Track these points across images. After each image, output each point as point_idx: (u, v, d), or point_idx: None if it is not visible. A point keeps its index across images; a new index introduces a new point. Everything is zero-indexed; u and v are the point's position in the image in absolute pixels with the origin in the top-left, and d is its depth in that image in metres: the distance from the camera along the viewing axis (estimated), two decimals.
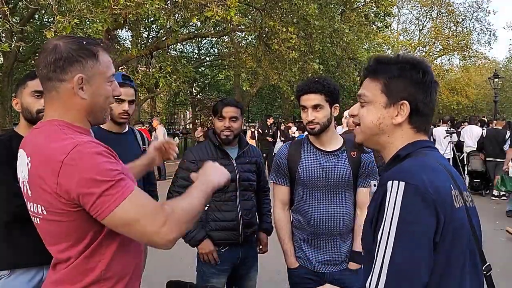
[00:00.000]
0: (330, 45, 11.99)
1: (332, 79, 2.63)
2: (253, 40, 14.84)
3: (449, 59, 28.06)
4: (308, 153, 2.22)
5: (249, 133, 13.12)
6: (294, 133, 13.15)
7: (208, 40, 21.17)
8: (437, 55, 26.52)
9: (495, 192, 8.25)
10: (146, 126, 12.89)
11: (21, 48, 11.59)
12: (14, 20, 8.09)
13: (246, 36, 15.93)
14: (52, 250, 1.21)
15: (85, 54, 1.19)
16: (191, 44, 21.68)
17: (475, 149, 8.86)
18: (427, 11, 27.16)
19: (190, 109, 26.30)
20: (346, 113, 7.03)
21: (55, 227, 1.15)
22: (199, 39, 18.55)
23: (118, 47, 12.43)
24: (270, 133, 12.47)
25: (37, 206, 1.16)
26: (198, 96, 23.52)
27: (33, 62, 13.30)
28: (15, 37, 9.83)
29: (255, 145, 4.06)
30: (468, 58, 25.52)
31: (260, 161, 2.67)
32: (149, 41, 16.57)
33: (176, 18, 10.93)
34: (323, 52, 12.19)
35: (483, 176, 8.72)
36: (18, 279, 1.84)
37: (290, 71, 10.86)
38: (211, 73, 25.38)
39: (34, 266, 1.86)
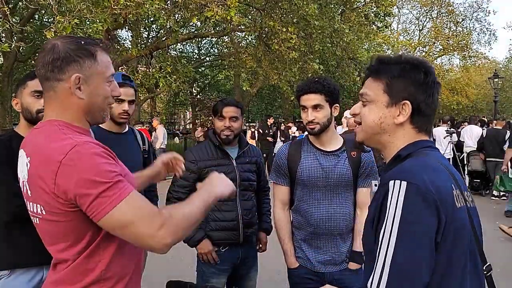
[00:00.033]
0: (330, 45, 11.99)
1: (332, 79, 2.63)
2: (253, 40, 14.84)
3: (449, 59, 28.09)
4: (308, 153, 2.22)
5: (249, 133, 13.12)
6: (294, 133, 13.16)
7: (208, 40, 21.18)
8: (437, 55, 26.52)
9: (495, 192, 8.25)
10: (146, 126, 12.89)
11: (21, 48, 11.59)
12: (14, 20, 8.08)
13: (246, 36, 15.92)
14: (51, 250, 1.21)
15: (83, 54, 1.18)
16: (191, 44, 21.69)
17: (475, 149, 8.86)
18: (427, 11, 27.16)
19: (190, 109, 26.31)
20: (346, 113, 7.03)
21: (54, 227, 1.15)
22: (199, 39, 18.55)
23: (118, 47, 12.43)
24: (270, 133, 12.47)
25: (36, 206, 1.16)
26: (198, 96, 23.53)
27: (33, 62, 13.31)
28: (15, 37, 9.83)
29: (255, 145, 4.06)
30: (468, 58, 25.52)
31: (260, 161, 2.67)
32: (149, 41, 16.58)
33: (176, 18, 10.93)
34: (323, 52, 12.18)
35: (483, 176, 8.72)
36: (18, 279, 1.84)
37: (290, 71, 10.86)
38: (211, 73, 25.39)
39: (34, 266, 1.86)
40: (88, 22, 7.13)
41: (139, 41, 13.55)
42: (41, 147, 1.13)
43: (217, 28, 13.35)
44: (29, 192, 1.18)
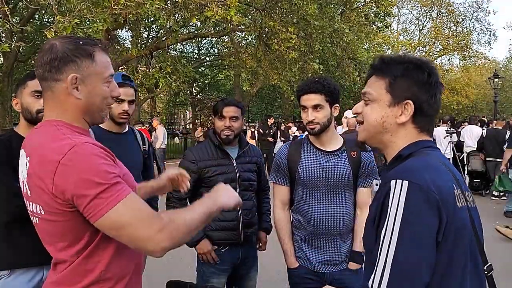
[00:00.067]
0: (330, 45, 12.00)
1: (332, 79, 2.62)
2: (253, 40, 14.85)
3: (449, 59, 28.12)
4: (308, 153, 2.22)
5: (249, 133, 13.11)
6: (294, 133, 13.16)
7: (208, 40, 21.20)
8: (437, 55, 26.52)
9: (495, 192, 8.24)
10: (146, 126, 12.89)
11: (21, 48, 11.60)
12: (14, 20, 8.09)
13: (246, 36, 15.94)
14: (50, 250, 1.21)
15: (80, 54, 1.18)
16: (191, 44, 21.71)
17: (475, 149, 8.86)
18: (427, 11, 27.17)
19: (190, 109, 26.33)
20: (346, 113, 7.04)
21: (53, 227, 1.15)
22: (199, 39, 18.57)
23: (118, 47, 12.44)
24: (271, 133, 12.47)
25: (35, 206, 1.16)
26: (198, 96, 23.55)
27: (33, 62, 13.31)
28: (15, 37, 9.84)
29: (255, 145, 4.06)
30: (468, 58, 25.54)
31: (261, 161, 2.66)
32: (149, 41, 16.59)
33: (176, 18, 10.95)
34: (323, 52, 12.20)
35: (483, 176, 8.72)
36: (18, 279, 1.84)
37: (290, 71, 10.87)
38: (211, 73, 25.41)
39: (34, 266, 1.86)
40: (88, 22, 7.14)
41: (139, 41, 13.56)
42: (40, 147, 1.13)
43: (217, 28, 13.36)
44: (28, 191, 1.18)
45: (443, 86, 1.17)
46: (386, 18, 17.46)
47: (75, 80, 1.18)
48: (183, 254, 3.53)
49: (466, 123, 10.56)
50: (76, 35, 4.00)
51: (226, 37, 16.20)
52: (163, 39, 12.54)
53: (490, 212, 6.96)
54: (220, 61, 20.87)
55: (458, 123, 12.56)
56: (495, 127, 9.07)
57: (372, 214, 1.08)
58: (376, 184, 2.19)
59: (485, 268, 1.11)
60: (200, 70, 22.96)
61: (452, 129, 9.03)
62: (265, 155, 10.70)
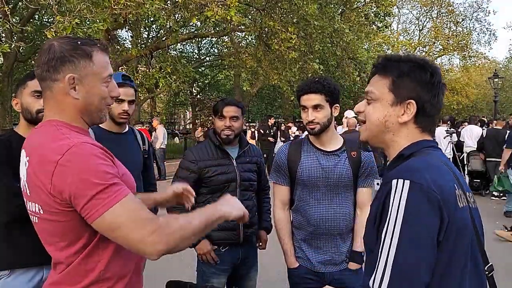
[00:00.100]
0: (330, 45, 12.01)
1: (332, 79, 2.62)
2: (253, 40, 14.85)
3: (449, 59, 28.16)
4: (308, 153, 2.22)
5: (249, 133, 13.11)
6: (294, 133, 13.16)
7: (208, 40, 21.20)
8: (437, 55, 26.54)
9: (495, 192, 8.24)
10: (146, 126, 12.89)
11: (21, 48, 11.60)
12: (14, 20, 8.09)
13: (246, 36, 15.94)
14: (50, 249, 1.21)
15: (78, 54, 1.18)
16: (191, 44, 21.72)
17: (475, 149, 8.86)
18: (427, 11, 27.19)
19: (190, 109, 26.33)
20: (346, 113, 7.04)
21: (52, 227, 1.15)
22: (199, 39, 18.57)
23: (118, 47, 12.44)
24: (271, 133, 12.47)
25: (35, 205, 1.16)
26: (198, 96, 23.55)
27: (33, 62, 13.31)
28: (15, 37, 9.85)
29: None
30: (468, 58, 25.57)
31: (261, 161, 2.66)
32: (149, 41, 16.59)
33: (176, 18, 10.95)
34: (323, 52, 12.20)
35: (483, 176, 8.72)
36: (18, 279, 1.84)
37: (290, 71, 10.87)
38: (211, 73, 25.40)
39: (34, 266, 1.85)
40: (88, 22, 7.14)
41: (139, 41, 13.56)
42: (39, 147, 1.13)
43: (217, 28, 13.36)
44: (28, 191, 1.18)
45: (445, 86, 1.17)
46: (386, 18, 17.47)
47: (73, 80, 1.18)
48: (183, 254, 3.52)
49: (466, 123, 10.57)
50: (76, 35, 4.00)
51: (226, 37, 16.20)
52: (163, 39, 12.55)
53: (490, 212, 6.96)
54: (220, 61, 20.87)
55: (458, 123, 12.57)
56: (495, 127, 9.06)
57: (373, 213, 1.08)
58: (378, 184, 2.19)
59: (486, 268, 1.11)
60: (200, 70, 22.95)
61: (452, 129, 9.02)
62: (265, 155, 10.70)
